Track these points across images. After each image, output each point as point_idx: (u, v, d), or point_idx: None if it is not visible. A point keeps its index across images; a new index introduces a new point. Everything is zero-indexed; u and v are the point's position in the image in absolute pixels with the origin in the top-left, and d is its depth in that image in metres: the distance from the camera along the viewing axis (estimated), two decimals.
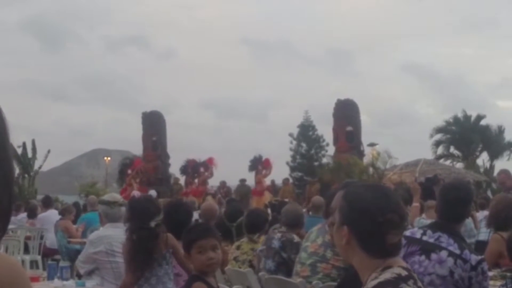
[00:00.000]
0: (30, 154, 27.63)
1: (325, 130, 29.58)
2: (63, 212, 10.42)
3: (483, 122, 33.36)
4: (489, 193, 22.20)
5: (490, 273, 4.42)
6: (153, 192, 4.81)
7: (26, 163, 27.18)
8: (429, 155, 30.30)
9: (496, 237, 5.30)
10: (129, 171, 24.65)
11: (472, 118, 33.36)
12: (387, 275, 1.94)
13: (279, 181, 23.61)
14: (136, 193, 4.90)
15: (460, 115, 33.66)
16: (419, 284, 1.96)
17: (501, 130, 33.11)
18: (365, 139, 23.89)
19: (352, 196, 2.07)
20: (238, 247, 6.17)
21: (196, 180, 23.40)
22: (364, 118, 24.00)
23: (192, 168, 23.67)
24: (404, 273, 1.95)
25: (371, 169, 20.78)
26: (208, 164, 23.49)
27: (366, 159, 22.41)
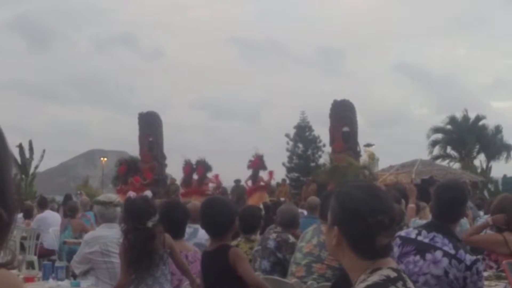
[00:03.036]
0: (27, 155, 27.61)
1: (322, 130, 29.65)
2: (72, 212, 9.88)
3: (480, 123, 33.35)
4: (485, 193, 22.26)
5: (485, 273, 4.42)
6: (148, 193, 4.80)
7: (24, 164, 27.14)
8: (425, 155, 30.27)
9: (499, 237, 5.24)
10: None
11: (471, 119, 33.35)
12: (375, 277, 1.93)
13: (273, 182, 23.46)
14: (131, 193, 4.89)
15: (458, 115, 33.68)
16: (409, 285, 1.95)
17: (498, 131, 33.12)
18: (359, 139, 23.87)
19: (343, 197, 2.06)
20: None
21: (195, 176, 22.96)
22: (357, 118, 23.92)
23: (199, 173, 22.98)
24: (393, 274, 1.94)
25: (366, 171, 20.76)
26: (214, 179, 22.88)
27: (362, 160, 22.41)
